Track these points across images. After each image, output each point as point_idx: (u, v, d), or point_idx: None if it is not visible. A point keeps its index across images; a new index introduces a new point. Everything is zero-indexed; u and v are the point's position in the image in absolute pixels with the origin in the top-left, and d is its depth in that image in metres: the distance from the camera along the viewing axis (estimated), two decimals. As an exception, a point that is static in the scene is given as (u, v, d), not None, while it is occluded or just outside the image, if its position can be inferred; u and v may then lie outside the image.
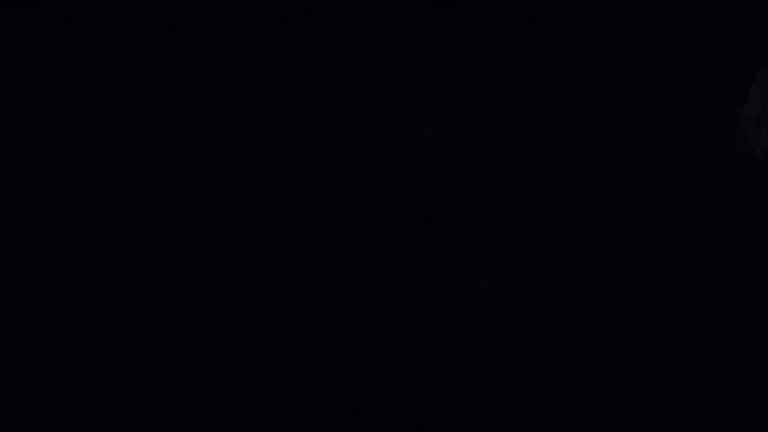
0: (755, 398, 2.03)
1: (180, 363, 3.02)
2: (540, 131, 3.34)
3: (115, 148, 4.56)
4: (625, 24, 3.42)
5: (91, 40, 3.66)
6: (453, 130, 1.80)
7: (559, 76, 3.29)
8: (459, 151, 1.70)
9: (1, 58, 3.14)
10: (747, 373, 1.92)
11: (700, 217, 1.79)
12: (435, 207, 1.59)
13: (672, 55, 3.40)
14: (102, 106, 3.77)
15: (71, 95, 3.59)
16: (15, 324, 2.95)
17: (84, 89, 3.60)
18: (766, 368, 2.03)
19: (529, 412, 2.57)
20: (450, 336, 1.73)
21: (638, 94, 3.44)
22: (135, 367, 3.01)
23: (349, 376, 1.69)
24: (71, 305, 3.49)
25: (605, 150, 3.67)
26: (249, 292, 3.94)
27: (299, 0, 3.36)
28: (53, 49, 3.51)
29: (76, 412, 2.62)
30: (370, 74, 3.12)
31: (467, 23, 3.19)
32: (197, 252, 4.92)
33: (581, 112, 3.37)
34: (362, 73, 3.16)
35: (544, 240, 5.06)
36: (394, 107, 1.62)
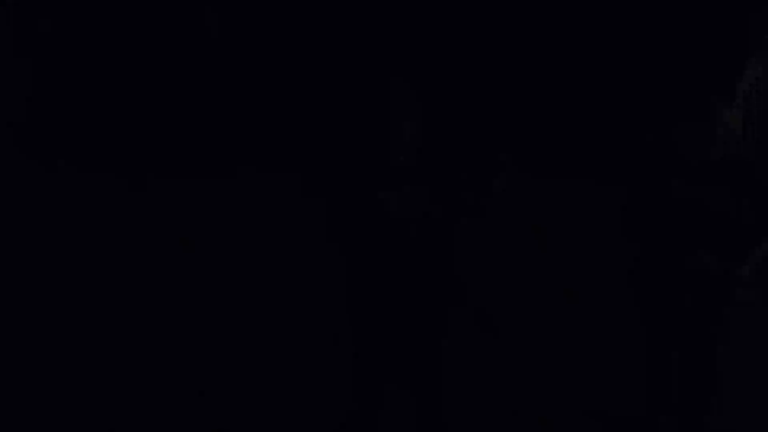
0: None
1: (175, 361, 2.96)
2: (524, 123, 3.32)
3: (116, 142, 4.59)
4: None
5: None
6: (434, 123, 1.83)
7: (544, 66, 3.26)
8: (441, 144, 1.72)
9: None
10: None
11: (684, 213, 1.84)
12: (423, 199, 1.64)
13: (658, 49, 3.36)
14: (101, 105, 3.83)
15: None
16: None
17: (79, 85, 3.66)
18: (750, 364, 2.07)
19: (520, 401, 2.58)
20: (442, 328, 1.78)
21: (624, 84, 3.40)
22: (134, 366, 2.94)
23: (344, 372, 1.74)
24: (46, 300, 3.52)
25: (599, 143, 3.64)
26: (242, 287, 3.90)
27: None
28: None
29: (50, 410, 2.56)
30: (353, 70, 3.12)
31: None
32: (193, 247, 4.85)
33: (572, 105, 3.35)
34: (345, 69, 3.16)
35: (531, 229, 4.97)
36: (373, 98, 1.63)
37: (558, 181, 5.66)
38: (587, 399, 2.55)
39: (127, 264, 3.96)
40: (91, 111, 4.30)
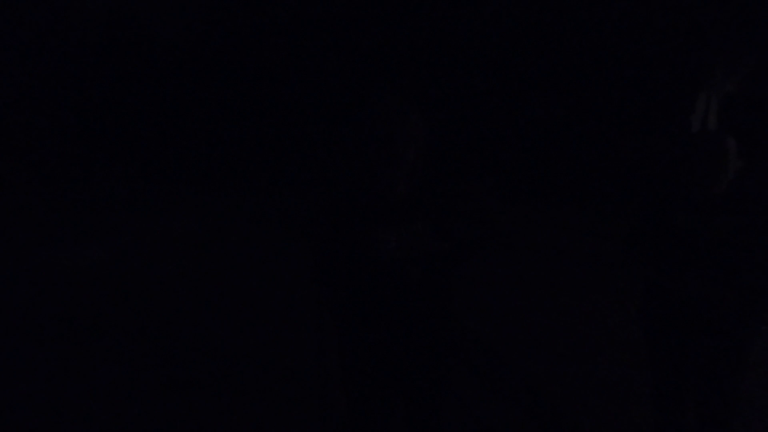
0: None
1: (168, 375, 3.00)
2: (529, 154, 3.31)
3: (109, 160, 4.51)
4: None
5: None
6: (439, 150, 1.69)
7: (538, 103, 3.27)
8: (444, 174, 1.59)
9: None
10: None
11: (693, 246, 1.77)
12: (425, 236, 1.48)
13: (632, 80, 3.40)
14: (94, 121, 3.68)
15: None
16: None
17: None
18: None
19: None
20: (444, 375, 1.64)
21: (607, 122, 3.43)
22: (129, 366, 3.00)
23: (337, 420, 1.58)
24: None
25: (604, 177, 3.61)
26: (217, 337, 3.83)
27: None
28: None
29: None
30: (355, 97, 3.06)
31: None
32: (184, 273, 4.86)
33: (579, 138, 3.36)
34: (347, 97, 3.10)
35: (532, 257, 5.01)
36: (373, 121, 1.49)
37: (562, 213, 5.79)
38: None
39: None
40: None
